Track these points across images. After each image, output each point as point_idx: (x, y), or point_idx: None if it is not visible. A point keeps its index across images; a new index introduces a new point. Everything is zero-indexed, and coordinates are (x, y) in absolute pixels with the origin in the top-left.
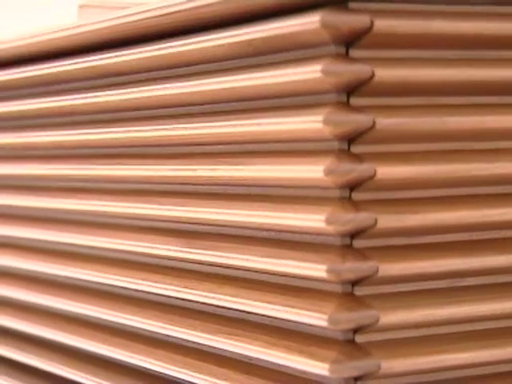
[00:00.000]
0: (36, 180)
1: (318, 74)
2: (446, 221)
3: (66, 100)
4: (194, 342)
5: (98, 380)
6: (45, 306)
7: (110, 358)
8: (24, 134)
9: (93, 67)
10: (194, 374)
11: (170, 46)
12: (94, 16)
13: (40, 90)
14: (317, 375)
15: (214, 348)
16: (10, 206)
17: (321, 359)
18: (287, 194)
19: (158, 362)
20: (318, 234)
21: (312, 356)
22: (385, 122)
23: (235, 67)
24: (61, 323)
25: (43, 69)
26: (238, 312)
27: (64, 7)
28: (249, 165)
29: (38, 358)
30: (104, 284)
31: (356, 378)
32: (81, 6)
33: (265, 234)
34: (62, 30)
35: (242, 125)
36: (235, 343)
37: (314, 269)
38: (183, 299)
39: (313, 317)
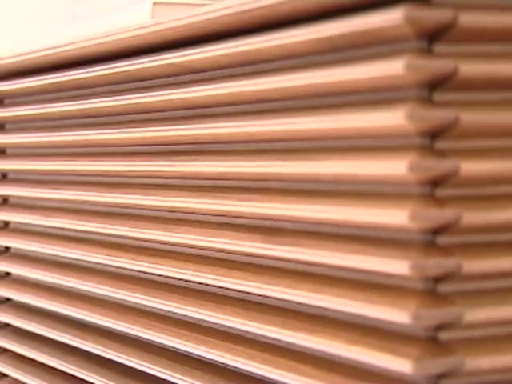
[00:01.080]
0: (115, 176)
1: (401, 70)
2: None
3: (142, 97)
4: (274, 339)
5: (177, 375)
6: (123, 300)
7: (189, 353)
8: (102, 131)
9: (170, 65)
10: (272, 369)
11: (249, 43)
12: (168, 13)
13: (115, 87)
14: (399, 373)
15: (294, 345)
16: (83, 202)
17: (403, 356)
18: (368, 191)
19: (236, 358)
20: (401, 230)
21: (394, 353)
22: (468, 117)
23: (315, 63)
24: (134, 316)
25: (119, 67)
26: (317, 309)
27: (138, 5)
28: (329, 161)
29: (118, 353)
30: (181, 280)
31: (439, 376)
32: (155, 4)
33: (346, 230)
34: (136, 29)
35: (323, 121)
36: (315, 340)
37: (397, 265)
38: (263, 296)
39: (395, 314)
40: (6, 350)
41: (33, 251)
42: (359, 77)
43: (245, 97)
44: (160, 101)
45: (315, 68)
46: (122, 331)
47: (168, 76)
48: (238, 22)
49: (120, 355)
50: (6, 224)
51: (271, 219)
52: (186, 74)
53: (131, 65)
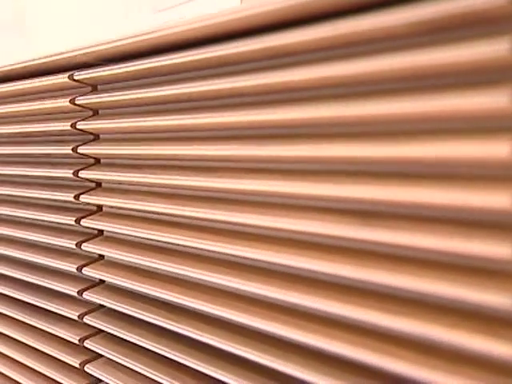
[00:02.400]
0: (207, 161)
1: (506, 51)
2: None
3: (235, 82)
4: (372, 324)
5: (270, 358)
6: (216, 283)
7: (282, 337)
8: (195, 115)
9: (264, 49)
10: (371, 354)
11: (347, 25)
12: None
13: (208, 72)
14: (501, 357)
15: (392, 330)
16: (175, 186)
17: (506, 341)
18: (471, 174)
19: (334, 343)
20: (504, 214)
21: (497, 338)
22: None
23: (415, 45)
24: (227, 300)
25: (213, 51)
26: (417, 294)
27: None
28: (431, 144)
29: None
30: (278, 264)
31: None
32: None
33: (448, 214)
34: (227, 14)
35: (424, 104)
36: (414, 324)
37: (500, 249)
38: (360, 280)
39: (497, 298)
40: (100, 331)
41: (125, 234)
42: (461, 58)
43: (341, 80)
44: (253, 85)
45: (415, 50)
46: (214, 314)
47: (262, 60)
48: (332, 5)
49: (212, 338)
50: (100, 208)
51: (370, 203)
52: (280, 57)
53: (225, 49)
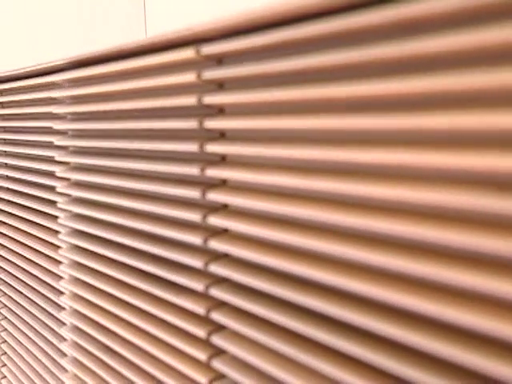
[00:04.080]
0: (336, 133)
1: None
2: None
3: (379, 50)
4: None
5: (407, 334)
6: (343, 257)
7: (418, 312)
8: (324, 86)
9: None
10: None
11: None
12: None
13: (336, 42)
14: None
15: None
16: (300, 160)
17: None
18: None
19: (497, 325)
20: None
21: None
22: None
23: None
24: (356, 273)
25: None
26: None
27: None
28: None
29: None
30: (414, 239)
31: None
32: None
33: None
34: None
35: None
36: None
37: None
38: None
39: None
40: (224, 304)
41: (250, 208)
42: None
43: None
44: (393, 54)
45: None
46: (343, 288)
47: (400, 29)
48: None
49: (342, 312)
50: (224, 182)
51: None
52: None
53: (360, 18)
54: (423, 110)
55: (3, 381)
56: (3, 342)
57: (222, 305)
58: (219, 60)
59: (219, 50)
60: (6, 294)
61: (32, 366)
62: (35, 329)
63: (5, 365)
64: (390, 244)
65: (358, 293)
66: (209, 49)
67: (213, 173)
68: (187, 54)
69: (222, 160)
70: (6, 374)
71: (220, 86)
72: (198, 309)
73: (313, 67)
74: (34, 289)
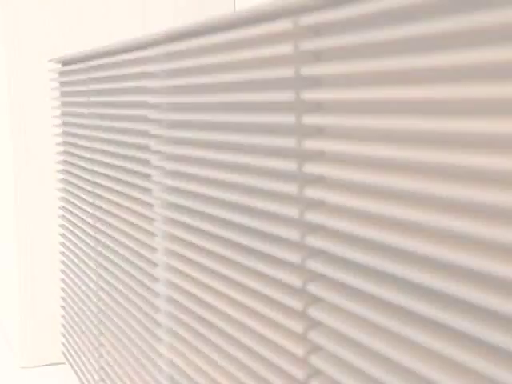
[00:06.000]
0: (444, 104)
1: None
2: None
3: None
4: None
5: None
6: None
7: None
8: (430, 55)
9: None
10: None
11: None
12: None
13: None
14: None
15: None
16: (402, 130)
17: None
18: None
19: None
20: None
21: None
22: None
23: None
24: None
25: None
26: None
27: None
28: None
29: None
30: None
31: None
32: None
33: None
34: None
35: None
36: None
37: None
38: None
39: None
40: (321, 276)
41: (347, 180)
42: None
43: None
44: None
45: None
46: (446, 261)
47: None
48: None
49: (446, 285)
50: (322, 153)
51: None
52: None
53: None
54: None
55: (101, 348)
56: (100, 312)
57: (318, 277)
58: (317, 31)
59: (317, 20)
60: (101, 264)
61: (128, 334)
62: (130, 298)
63: (102, 333)
64: (498, 215)
65: (463, 266)
66: (307, 19)
67: (310, 144)
68: (285, 25)
69: (320, 132)
70: (104, 341)
71: (317, 57)
72: (295, 280)
73: (414, 36)
74: (129, 260)
